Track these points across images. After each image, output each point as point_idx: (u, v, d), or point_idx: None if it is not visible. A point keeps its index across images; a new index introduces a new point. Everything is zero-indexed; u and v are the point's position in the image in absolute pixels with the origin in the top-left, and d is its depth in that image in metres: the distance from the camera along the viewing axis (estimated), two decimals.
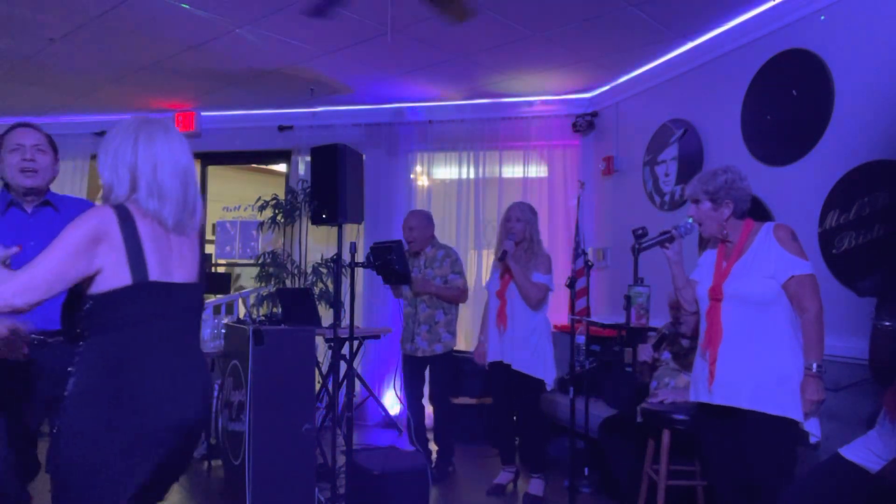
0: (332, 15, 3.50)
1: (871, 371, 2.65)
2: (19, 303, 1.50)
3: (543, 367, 3.79)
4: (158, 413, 1.61)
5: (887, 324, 2.56)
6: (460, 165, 5.88)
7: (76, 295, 1.64)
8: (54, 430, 1.58)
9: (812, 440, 2.39)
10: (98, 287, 1.60)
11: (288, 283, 5.84)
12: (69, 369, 1.61)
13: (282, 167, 6.71)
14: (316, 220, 3.92)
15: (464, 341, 5.44)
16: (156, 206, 1.67)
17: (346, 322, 3.88)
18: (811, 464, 2.72)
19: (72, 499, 1.58)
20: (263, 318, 4.21)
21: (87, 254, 1.57)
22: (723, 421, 2.50)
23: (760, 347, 2.40)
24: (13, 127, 2.40)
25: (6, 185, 2.40)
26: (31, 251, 2.24)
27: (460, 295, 4.29)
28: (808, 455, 2.92)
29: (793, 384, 2.35)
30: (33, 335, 2.23)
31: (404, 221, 4.41)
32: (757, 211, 2.60)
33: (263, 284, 5.83)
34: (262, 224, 5.96)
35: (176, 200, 1.70)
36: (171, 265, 1.70)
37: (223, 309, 5.90)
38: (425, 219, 4.38)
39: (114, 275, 1.60)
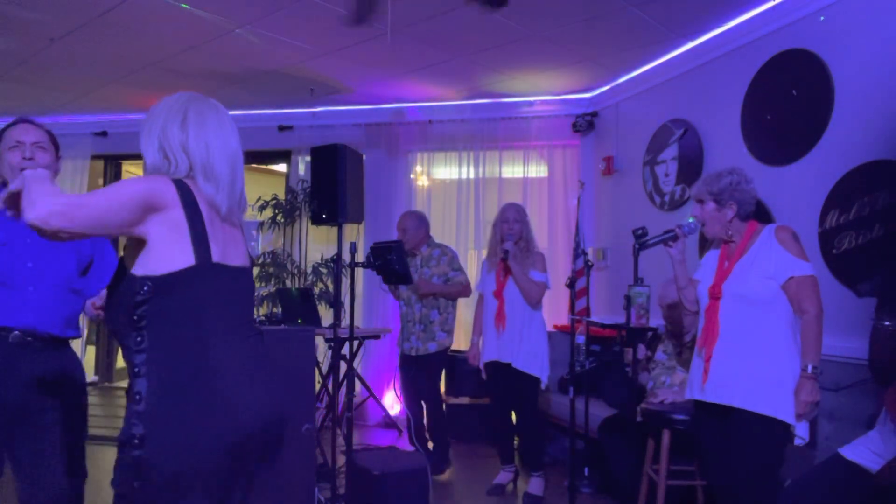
0: (371, 21, 3.58)
1: (871, 371, 2.65)
2: (55, 223, 1.31)
3: (541, 365, 3.82)
4: (238, 412, 1.46)
5: (887, 324, 2.56)
6: (460, 165, 5.88)
7: (121, 275, 1.48)
8: (135, 441, 1.39)
9: (798, 442, 2.36)
10: (156, 268, 1.44)
11: (288, 283, 5.84)
12: (135, 370, 1.44)
13: (282, 167, 6.71)
14: (316, 220, 3.91)
15: (464, 340, 5.44)
16: (211, 190, 1.55)
17: (346, 322, 3.88)
18: (808, 464, 2.72)
19: None
20: (263, 318, 4.21)
21: (136, 211, 1.41)
22: (719, 420, 2.50)
23: (756, 347, 2.39)
24: (13, 123, 2.31)
25: (4, 183, 2.29)
26: (23, 252, 2.18)
27: (464, 290, 4.34)
28: (806, 455, 2.92)
29: (787, 386, 2.34)
30: (17, 331, 2.16)
31: (398, 223, 4.43)
32: (756, 211, 2.60)
33: (263, 284, 5.84)
34: (262, 224, 5.96)
35: (226, 187, 1.58)
36: (228, 248, 1.58)
37: None
38: (417, 219, 4.42)
39: (174, 254, 1.45)
